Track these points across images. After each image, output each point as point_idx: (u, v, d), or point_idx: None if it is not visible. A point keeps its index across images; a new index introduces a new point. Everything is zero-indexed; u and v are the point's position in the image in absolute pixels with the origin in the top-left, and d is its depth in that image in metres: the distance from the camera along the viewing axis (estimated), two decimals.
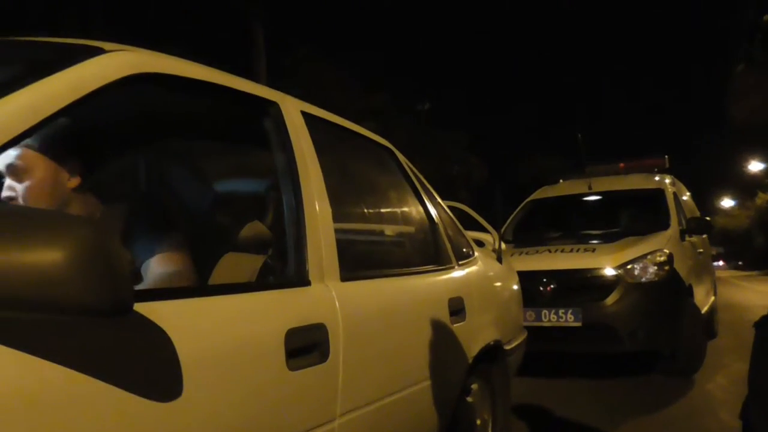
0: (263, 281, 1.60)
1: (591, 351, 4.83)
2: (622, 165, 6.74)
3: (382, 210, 2.43)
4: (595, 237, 5.26)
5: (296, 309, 1.42)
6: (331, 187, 1.71)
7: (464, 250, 2.61)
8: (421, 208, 2.42)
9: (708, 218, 6.33)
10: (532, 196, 6.44)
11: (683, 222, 5.55)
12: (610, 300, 4.53)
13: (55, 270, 0.79)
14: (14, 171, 1.43)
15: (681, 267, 4.83)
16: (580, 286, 4.65)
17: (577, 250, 4.90)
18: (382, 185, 2.42)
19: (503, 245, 3.18)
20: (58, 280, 0.79)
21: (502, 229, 5.62)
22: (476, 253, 2.71)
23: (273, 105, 1.65)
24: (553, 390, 4.47)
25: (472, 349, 2.30)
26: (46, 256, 0.79)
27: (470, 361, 2.27)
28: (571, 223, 5.90)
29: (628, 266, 4.61)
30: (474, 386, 2.38)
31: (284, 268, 1.58)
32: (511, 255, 4.67)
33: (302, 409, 1.39)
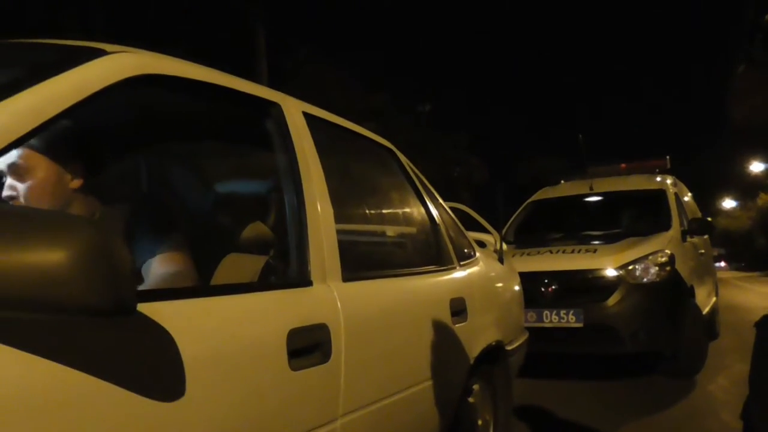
0: (265, 282, 1.60)
1: (592, 352, 4.83)
2: (623, 166, 6.74)
3: (384, 210, 2.44)
4: (596, 238, 5.25)
5: (298, 309, 1.43)
6: (333, 188, 1.71)
7: (465, 250, 2.61)
8: (422, 209, 2.42)
9: (709, 219, 6.34)
10: (534, 197, 6.44)
11: (685, 223, 5.55)
12: (612, 301, 4.53)
13: (58, 270, 0.79)
14: (18, 171, 1.43)
15: (682, 268, 4.82)
16: (582, 287, 4.65)
17: (579, 251, 4.90)
18: (384, 186, 2.43)
19: (504, 246, 3.18)
20: (61, 280, 0.79)
21: (504, 230, 5.63)
22: (477, 254, 2.71)
23: (274, 106, 1.65)
24: (554, 391, 4.46)
25: (474, 349, 2.30)
26: (49, 257, 0.79)
27: (472, 361, 2.27)
28: (572, 223, 5.89)
29: (630, 267, 4.61)
30: (475, 387, 2.38)
31: (286, 269, 1.59)
32: (513, 256, 4.67)
33: (304, 408, 1.39)
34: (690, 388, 4.39)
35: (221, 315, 1.22)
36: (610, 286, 4.58)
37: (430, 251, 2.40)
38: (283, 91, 1.77)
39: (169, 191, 2.09)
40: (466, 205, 3.38)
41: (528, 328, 3.18)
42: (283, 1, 13.23)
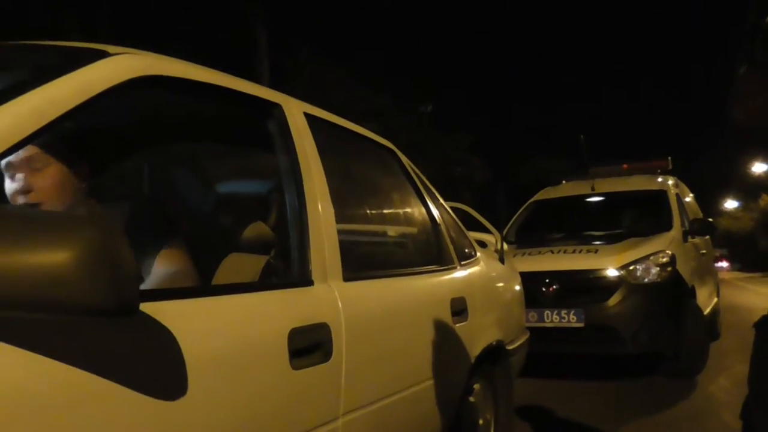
0: (267, 281, 1.61)
1: (593, 352, 4.83)
2: (625, 166, 6.73)
3: (385, 210, 2.44)
4: (597, 238, 5.26)
5: (299, 309, 1.43)
6: (334, 188, 1.72)
7: (466, 250, 2.62)
8: (423, 209, 2.42)
9: (711, 220, 6.33)
10: (535, 197, 6.44)
11: (686, 223, 5.54)
12: (613, 301, 4.53)
13: (61, 271, 0.79)
14: (29, 173, 1.44)
15: (683, 268, 4.82)
16: (583, 287, 4.65)
17: (580, 251, 4.90)
18: (385, 186, 2.43)
19: (505, 246, 3.19)
20: (64, 280, 0.79)
21: (505, 230, 5.63)
22: (478, 254, 2.72)
23: (276, 107, 1.66)
24: (555, 391, 4.46)
25: (475, 349, 2.31)
26: (53, 257, 0.79)
27: (472, 361, 2.28)
28: (573, 224, 5.90)
29: (631, 267, 4.61)
30: (476, 386, 2.38)
31: (287, 269, 1.59)
32: (514, 256, 4.67)
33: (306, 408, 1.40)
34: (691, 389, 4.39)
35: (223, 314, 1.23)
36: (612, 286, 4.58)
37: (430, 251, 2.41)
38: (284, 92, 1.78)
39: (170, 192, 2.09)
40: (468, 206, 3.38)
41: (529, 328, 3.18)
42: (284, 2, 13.24)
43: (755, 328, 1.34)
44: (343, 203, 1.85)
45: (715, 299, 6.45)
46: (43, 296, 0.80)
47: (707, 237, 6.28)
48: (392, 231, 2.48)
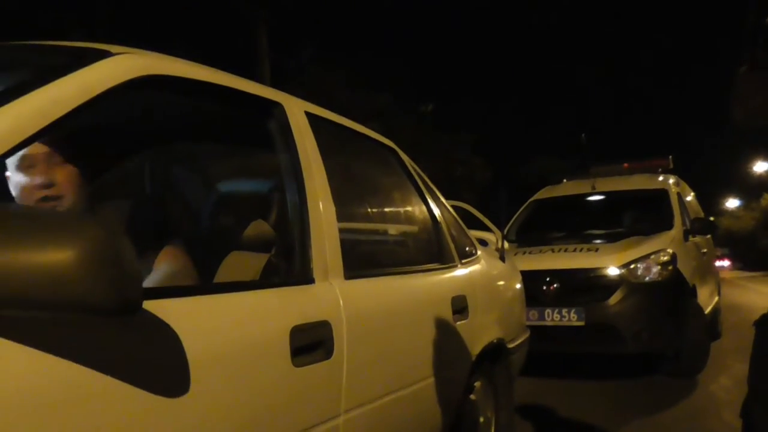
0: (268, 279, 1.62)
1: (594, 351, 4.83)
2: (626, 165, 6.73)
3: (386, 209, 2.45)
4: (598, 237, 5.26)
5: (301, 307, 1.44)
6: (335, 187, 1.72)
7: (467, 248, 2.62)
8: (424, 208, 2.43)
9: (712, 219, 6.33)
10: (536, 196, 6.44)
11: (687, 222, 5.54)
12: (613, 300, 4.53)
13: (64, 269, 0.80)
14: (48, 167, 1.45)
15: (684, 267, 4.82)
16: (584, 286, 4.66)
17: (581, 250, 4.90)
18: (386, 185, 2.44)
19: (506, 244, 3.19)
20: (67, 279, 0.80)
21: (506, 229, 5.62)
22: (479, 252, 2.72)
23: (277, 106, 1.66)
24: (555, 390, 4.47)
25: (475, 347, 2.32)
26: (56, 256, 0.79)
27: (473, 359, 2.28)
28: (574, 222, 5.89)
29: (632, 266, 4.61)
30: (477, 384, 2.39)
31: (289, 267, 1.60)
32: (515, 254, 4.68)
33: (307, 405, 1.41)
34: (692, 388, 4.40)
35: (225, 312, 1.24)
36: (612, 285, 4.58)
37: (431, 249, 2.41)
38: (285, 92, 1.78)
39: (172, 191, 2.10)
40: (469, 205, 3.39)
41: (529, 327, 3.19)
42: (285, 2, 13.23)
43: (755, 326, 1.34)
44: (345, 202, 1.85)
45: (716, 298, 6.45)
46: (46, 295, 0.80)
47: (708, 236, 6.28)
48: (393, 229, 2.48)
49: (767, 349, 1.32)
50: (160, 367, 1.05)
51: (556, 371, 5.00)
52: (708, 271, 6.12)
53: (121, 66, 1.20)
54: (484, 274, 2.65)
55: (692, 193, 6.83)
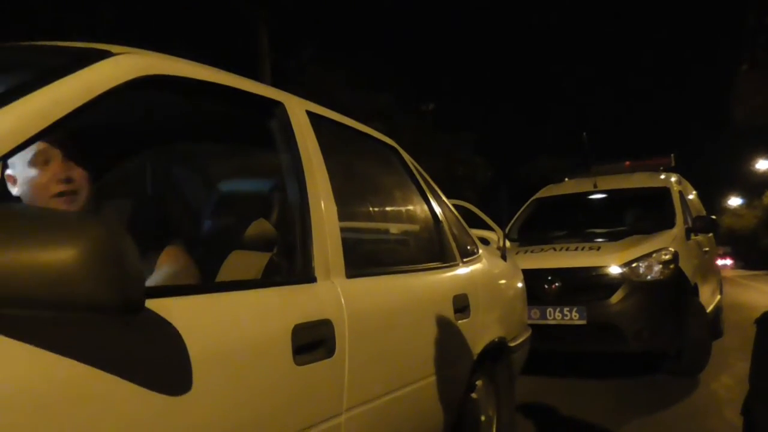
0: (270, 278, 1.62)
1: (596, 350, 4.83)
2: (627, 163, 6.72)
3: (388, 208, 2.45)
4: (600, 235, 5.26)
5: (303, 305, 1.44)
6: (337, 186, 1.73)
7: (469, 247, 2.62)
8: (425, 207, 2.43)
9: (714, 217, 6.32)
10: (537, 195, 6.44)
11: (689, 221, 5.53)
12: (615, 299, 4.53)
13: (67, 269, 0.80)
14: (65, 163, 1.45)
15: (686, 266, 4.82)
16: (585, 285, 4.65)
17: (582, 249, 4.90)
18: (388, 184, 2.44)
19: (508, 243, 3.19)
20: (70, 278, 0.80)
21: (507, 228, 5.62)
22: (481, 251, 2.72)
23: (278, 105, 1.67)
24: (557, 388, 4.47)
25: (477, 345, 2.32)
26: (59, 255, 0.80)
27: (475, 357, 2.29)
28: (576, 221, 5.89)
29: (633, 265, 4.61)
30: (479, 383, 2.39)
31: (290, 266, 1.60)
32: (516, 253, 4.69)
33: (309, 403, 1.41)
34: (693, 387, 4.40)
35: (227, 311, 1.24)
36: (614, 283, 4.58)
37: (433, 248, 2.41)
38: (287, 91, 1.78)
39: (173, 190, 2.11)
40: (470, 204, 3.39)
41: (531, 326, 3.19)
42: (285, 2, 13.22)
43: (756, 324, 1.34)
44: (346, 201, 1.85)
45: (718, 297, 6.45)
46: (48, 294, 0.80)
47: (710, 234, 6.27)
48: (395, 228, 2.48)
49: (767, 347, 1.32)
50: (163, 365, 1.06)
51: (558, 370, 5.00)
52: (710, 270, 6.11)
53: (122, 66, 1.20)
54: (485, 272, 2.65)
55: (694, 192, 6.82)
